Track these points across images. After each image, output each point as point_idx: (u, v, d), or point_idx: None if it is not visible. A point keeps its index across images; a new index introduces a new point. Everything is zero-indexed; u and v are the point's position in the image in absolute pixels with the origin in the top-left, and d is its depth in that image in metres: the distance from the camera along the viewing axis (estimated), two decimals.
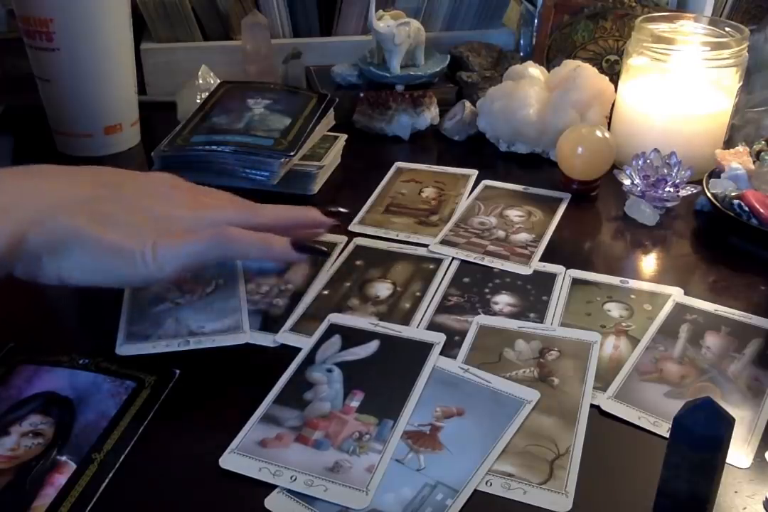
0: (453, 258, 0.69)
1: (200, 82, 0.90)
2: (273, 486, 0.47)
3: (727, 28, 0.81)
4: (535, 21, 0.98)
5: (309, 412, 0.52)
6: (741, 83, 0.82)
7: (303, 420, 0.51)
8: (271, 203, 0.61)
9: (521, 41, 1.04)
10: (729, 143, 0.84)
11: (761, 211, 0.70)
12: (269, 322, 0.61)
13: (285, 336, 0.59)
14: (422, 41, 0.95)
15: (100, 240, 0.51)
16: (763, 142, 0.79)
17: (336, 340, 0.59)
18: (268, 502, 0.46)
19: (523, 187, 0.81)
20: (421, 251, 0.70)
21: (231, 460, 0.48)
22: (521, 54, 1.03)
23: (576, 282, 0.66)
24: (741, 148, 0.79)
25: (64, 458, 0.48)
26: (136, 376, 0.55)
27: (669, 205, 0.76)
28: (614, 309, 0.63)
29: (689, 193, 0.75)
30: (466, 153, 0.89)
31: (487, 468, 0.48)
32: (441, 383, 0.55)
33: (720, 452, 0.41)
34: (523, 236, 0.72)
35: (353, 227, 0.73)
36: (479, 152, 0.89)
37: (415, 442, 0.50)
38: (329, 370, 0.56)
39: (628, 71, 0.84)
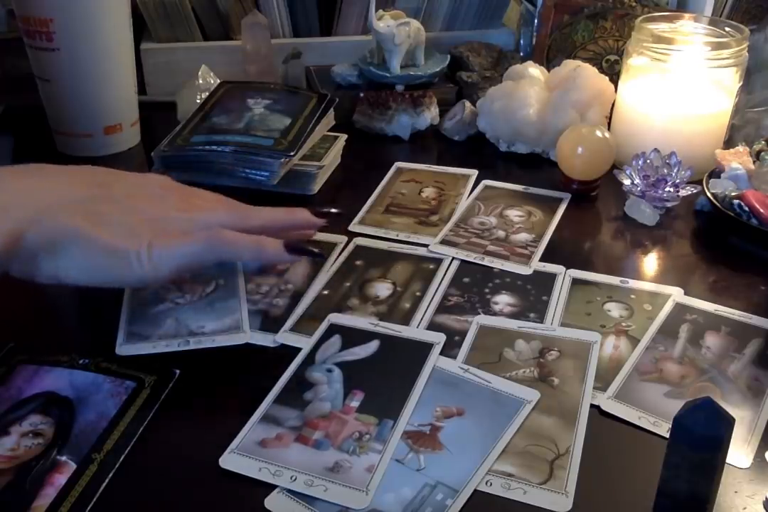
0: (453, 258, 0.69)
1: (200, 82, 0.90)
2: (273, 486, 0.47)
3: (727, 28, 0.81)
4: (535, 21, 0.98)
5: (309, 412, 0.52)
6: (741, 83, 0.82)
7: (303, 420, 0.51)
8: (271, 203, 0.61)
9: (521, 41, 1.04)
10: (729, 143, 0.84)
11: (761, 211, 0.70)
12: (269, 322, 0.61)
13: (285, 336, 0.59)
14: (422, 41, 0.95)
15: (97, 239, 0.51)
16: (763, 142, 0.79)
17: (336, 340, 0.59)
18: (268, 502, 0.46)
19: (523, 187, 0.81)
20: (421, 251, 0.70)
21: (231, 460, 0.48)
22: (521, 54, 1.03)
23: (576, 282, 0.66)
24: (741, 148, 0.79)
25: (64, 458, 0.48)
26: (136, 376, 0.55)
27: (669, 205, 0.76)
28: (614, 309, 0.63)
29: (689, 193, 0.75)
30: (466, 153, 0.89)
31: (487, 468, 0.48)
32: (441, 383, 0.55)
33: (720, 452, 0.41)
34: (523, 236, 0.72)
35: (353, 227, 0.73)
36: (479, 152, 0.89)
37: (415, 442, 0.50)
38: (329, 370, 0.56)
39: (628, 71, 0.84)
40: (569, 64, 0.86)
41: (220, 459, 0.48)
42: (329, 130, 0.84)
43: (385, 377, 0.55)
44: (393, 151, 0.89)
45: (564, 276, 0.67)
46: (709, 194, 0.74)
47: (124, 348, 0.57)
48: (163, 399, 0.53)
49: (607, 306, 0.63)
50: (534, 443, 0.50)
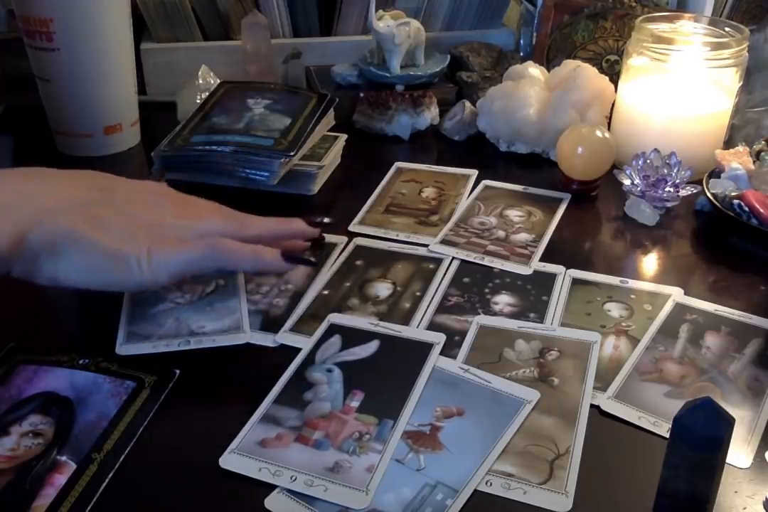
0: (453, 258, 0.69)
1: (200, 82, 0.90)
2: (273, 486, 0.47)
3: (727, 28, 0.81)
4: (535, 21, 0.98)
5: (309, 412, 0.52)
6: (741, 83, 0.82)
7: (303, 420, 0.51)
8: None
9: (521, 41, 1.04)
10: (729, 143, 0.84)
11: (761, 211, 0.70)
12: (269, 322, 0.61)
13: (285, 336, 0.59)
14: (422, 41, 0.95)
15: (98, 242, 0.52)
16: (763, 142, 0.79)
17: (336, 340, 0.59)
18: (268, 502, 0.46)
19: (523, 187, 0.81)
20: (421, 251, 0.70)
21: (231, 460, 0.48)
22: (521, 54, 1.03)
23: (576, 282, 0.66)
24: (741, 148, 0.79)
25: (64, 458, 0.48)
26: (136, 376, 0.55)
27: (669, 205, 0.76)
28: (614, 309, 0.63)
29: (689, 193, 0.75)
30: (466, 153, 0.89)
31: (487, 468, 0.48)
32: (441, 383, 0.55)
33: (720, 452, 0.41)
34: (523, 236, 0.72)
35: (353, 227, 0.73)
36: (479, 152, 0.89)
37: (415, 442, 0.50)
38: (329, 370, 0.56)
39: (628, 71, 0.84)
40: (569, 64, 0.86)
41: (220, 459, 0.48)
42: (329, 130, 0.84)
43: (385, 377, 0.55)
44: (393, 151, 0.89)
45: (564, 276, 0.67)
46: (709, 194, 0.74)
47: (124, 348, 0.57)
48: (163, 399, 0.53)
49: (607, 306, 0.63)
50: (534, 443, 0.50)
